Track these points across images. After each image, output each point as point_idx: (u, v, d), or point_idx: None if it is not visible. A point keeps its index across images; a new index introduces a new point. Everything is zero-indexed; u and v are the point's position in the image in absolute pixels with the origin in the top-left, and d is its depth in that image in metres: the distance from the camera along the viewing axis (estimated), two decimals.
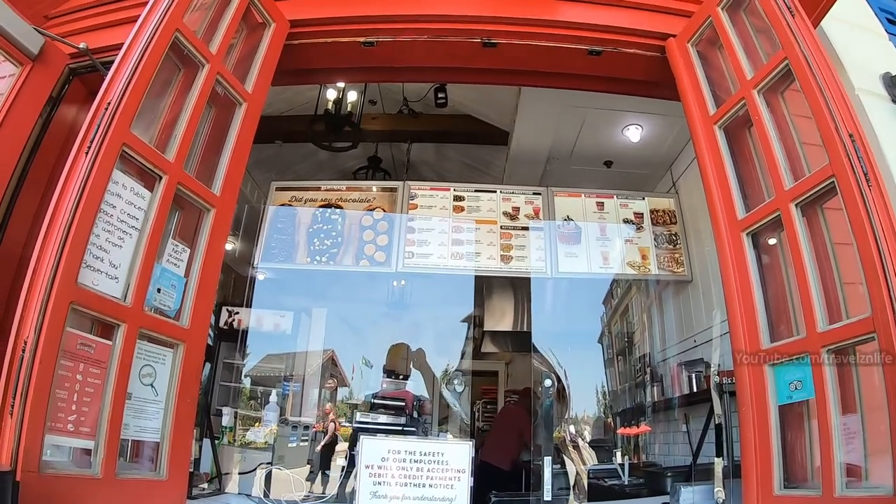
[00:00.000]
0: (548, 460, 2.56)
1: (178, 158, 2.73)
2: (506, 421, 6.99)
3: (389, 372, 5.64)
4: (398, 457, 2.53)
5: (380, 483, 2.48)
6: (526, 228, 5.12)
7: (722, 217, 2.98)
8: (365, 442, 2.56)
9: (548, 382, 2.74)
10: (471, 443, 2.59)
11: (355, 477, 2.59)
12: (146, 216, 2.59)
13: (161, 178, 2.66)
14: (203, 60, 2.93)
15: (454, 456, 2.53)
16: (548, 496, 2.54)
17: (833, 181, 2.45)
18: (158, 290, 2.64)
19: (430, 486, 2.49)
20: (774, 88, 2.87)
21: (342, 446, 4.97)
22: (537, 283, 5.17)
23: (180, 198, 2.78)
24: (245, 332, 5.44)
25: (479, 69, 3.97)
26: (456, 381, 5.93)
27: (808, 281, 2.53)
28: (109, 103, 2.45)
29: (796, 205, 2.62)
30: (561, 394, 5.16)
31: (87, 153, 2.35)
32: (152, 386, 2.56)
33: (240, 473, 3.51)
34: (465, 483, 2.50)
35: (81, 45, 3.41)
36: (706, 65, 3.33)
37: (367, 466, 2.51)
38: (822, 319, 2.47)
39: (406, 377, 5.58)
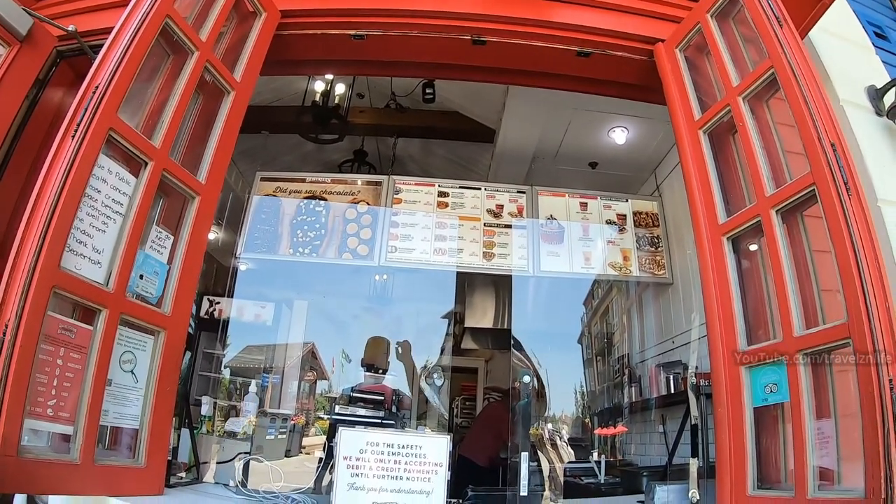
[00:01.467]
0: (524, 455, 2.57)
1: (164, 145, 2.73)
2: (486, 418, 7.02)
3: (368, 366, 5.63)
4: (376, 449, 2.53)
5: (357, 475, 2.49)
6: (509, 226, 5.13)
7: (703, 221, 3.02)
8: (343, 433, 2.56)
9: (526, 379, 2.76)
10: (448, 436, 2.60)
11: (331, 470, 2.60)
12: (131, 202, 2.59)
13: (147, 163, 2.66)
14: (192, 47, 2.92)
15: (432, 449, 2.54)
16: (524, 491, 2.56)
17: (814, 189, 2.49)
18: (141, 277, 2.64)
19: (408, 478, 2.49)
20: (759, 96, 2.91)
21: (318, 439, 4.98)
22: (519, 281, 5.18)
23: (165, 184, 2.78)
24: (226, 323, 5.42)
25: (467, 66, 3.99)
26: (435, 375, 5.93)
27: (785, 286, 2.57)
28: (97, 87, 2.45)
29: (777, 211, 2.66)
30: (539, 392, 5.19)
31: (73, 136, 2.35)
32: (132, 373, 2.56)
33: (218, 463, 3.50)
34: (442, 476, 2.52)
35: (70, 28, 3.40)
36: (693, 70, 3.36)
37: (344, 458, 2.51)
38: (798, 324, 2.51)
39: (384, 371, 5.57)
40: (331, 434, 3.35)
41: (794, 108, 2.62)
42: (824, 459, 2.36)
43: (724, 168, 3.10)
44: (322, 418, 5.36)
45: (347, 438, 2.56)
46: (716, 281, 2.89)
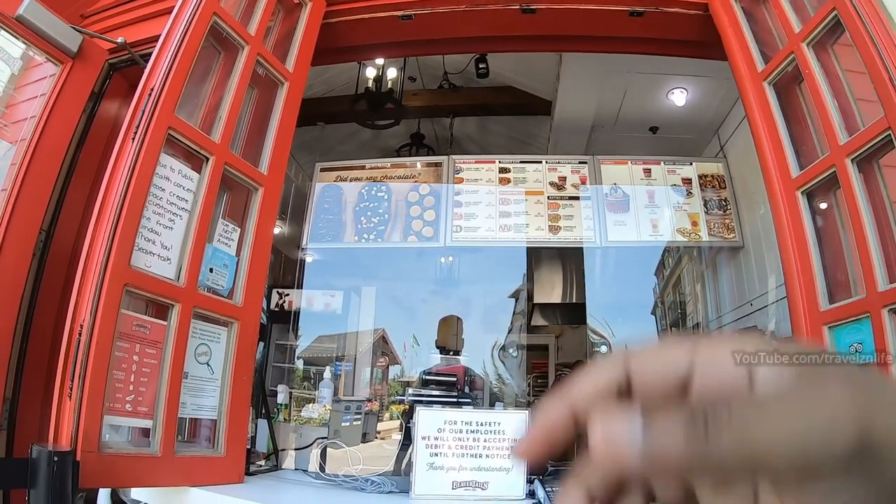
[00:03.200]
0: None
1: (223, 139, 2.74)
2: None
3: (441, 348, 5.64)
4: (454, 427, 2.52)
5: (436, 454, 2.49)
6: (574, 198, 5.05)
7: (775, 176, 2.89)
8: (421, 413, 2.55)
9: (603, 349, 2.71)
10: (527, 412, 2.59)
11: (410, 452, 2.62)
12: (195, 197, 2.62)
13: (208, 159, 2.68)
14: (242, 42, 2.93)
15: (510, 425, 2.52)
16: None
17: (889, 134, 2.35)
18: (211, 270, 2.67)
19: (487, 455, 2.48)
20: (823, 42, 2.76)
21: (392, 424, 5.02)
22: (588, 252, 5.11)
23: (228, 178, 2.80)
24: (297, 314, 5.50)
25: (519, 37, 3.90)
26: (511, 350, 5.93)
27: (866, 239, 2.45)
28: (153, 89, 2.47)
29: (852, 160, 2.53)
30: None
31: (133, 139, 2.38)
32: (208, 364, 2.60)
33: (296, 450, 3.55)
34: None
35: (119, 40, 3.46)
36: (751, 21, 3.23)
37: (423, 438, 2.50)
38: (882, 278, 2.39)
39: (457, 353, 5.59)
40: (406, 417, 3.36)
41: (861, 50, 2.48)
42: None
43: (792, 121, 2.96)
44: (396, 402, 5.40)
45: (425, 418, 2.55)
46: (793, 238, 2.78)
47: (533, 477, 2.52)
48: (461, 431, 2.53)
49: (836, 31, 2.68)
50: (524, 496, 2.50)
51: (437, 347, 5.69)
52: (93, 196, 3.38)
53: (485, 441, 2.51)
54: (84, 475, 2.00)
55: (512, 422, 2.55)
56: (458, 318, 5.91)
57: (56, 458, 1.91)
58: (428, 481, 2.47)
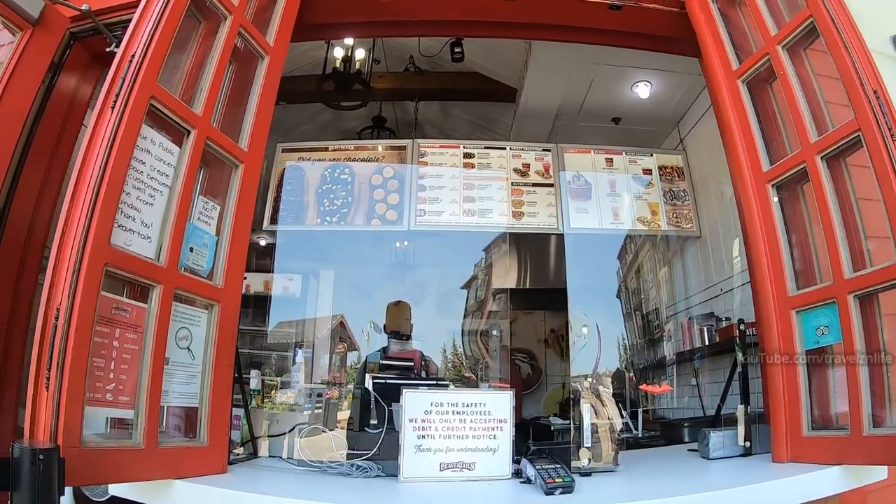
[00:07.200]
0: (587, 407, 2.59)
1: (205, 112, 2.65)
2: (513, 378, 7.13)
3: (392, 333, 5.62)
4: (441, 409, 2.53)
5: (424, 437, 2.50)
6: (537, 185, 5.11)
7: (747, 170, 3.03)
8: (408, 395, 2.54)
9: (584, 330, 2.77)
10: (511, 392, 2.62)
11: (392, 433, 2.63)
12: (176, 172, 2.51)
13: (190, 132, 2.58)
14: (226, 12, 2.83)
15: (496, 406, 2.57)
16: (587, 442, 2.57)
17: (859, 135, 2.50)
18: (191, 250, 2.57)
19: (474, 437, 2.51)
20: (797, 46, 2.89)
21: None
22: (567, 239, 5.13)
23: (207, 154, 2.69)
24: (264, 299, 5.42)
25: (496, 23, 3.90)
26: (494, 331, 5.95)
27: (834, 230, 2.61)
28: (134, 55, 2.33)
29: (822, 157, 2.68)
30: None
31: (112, 108, 2.24)
32: (189, 349, 2.51)
33: (269, 436, 3.48)
34: (507, 433, 2.53)
35: (84, 7, 3.31)
36: (726, 23, 3.32)
37: (410, 420, 2.50)
38: (847, 267, 2.56)
39: (409, 337, 5.58)
40: (364, 403, 3.28)
41: (835, 56, 2.62)
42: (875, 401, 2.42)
43: (762, 118, 3.10)
44: (360, 388, 5.37)
45: (412, 400, 2.55)
46: (763, 229, 2.93)
47: (519, 456, 2.56)
48: (447, 413, 2.54)
49: (810, 36, 2.82)
50: (510, 475, 2.54)
51: (388, 332, 5.66)
52: (50, 172, 3.27)
53: (471, 422, 2.54)
54: (68, 472, 1.86)
55: (497, 402, 2.58)
56: (407, 304, 5.89)
57: (42, 457, 1.78)
58: (416, 464, 2.48)
